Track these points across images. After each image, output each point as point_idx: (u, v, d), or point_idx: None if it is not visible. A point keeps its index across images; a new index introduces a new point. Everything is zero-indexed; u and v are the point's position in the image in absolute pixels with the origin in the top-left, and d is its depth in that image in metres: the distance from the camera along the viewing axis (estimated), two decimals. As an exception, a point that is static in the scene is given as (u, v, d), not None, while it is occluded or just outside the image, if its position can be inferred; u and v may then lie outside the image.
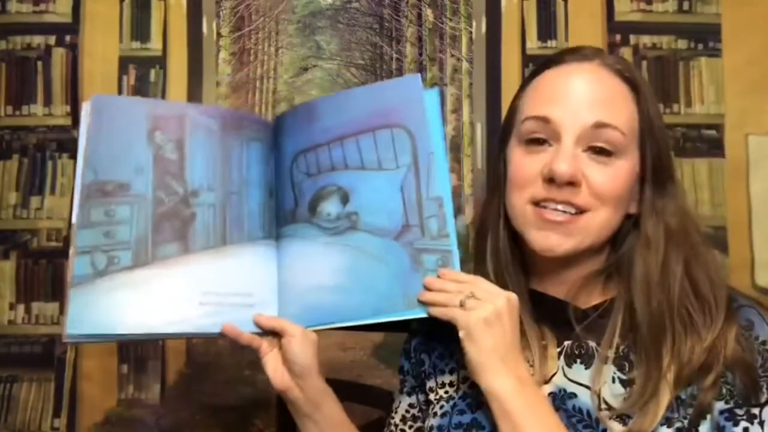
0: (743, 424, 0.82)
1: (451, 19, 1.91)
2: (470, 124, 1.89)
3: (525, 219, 0.86)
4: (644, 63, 1.88)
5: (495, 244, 0.92)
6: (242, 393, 1.79)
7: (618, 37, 1.89)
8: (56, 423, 1.78)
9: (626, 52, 1.89)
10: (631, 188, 0.86)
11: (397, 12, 1.92)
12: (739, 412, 0.82)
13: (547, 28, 1.89)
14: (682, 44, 1.89)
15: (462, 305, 0.81)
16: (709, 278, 0.85)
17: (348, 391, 1.39)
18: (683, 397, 0.82)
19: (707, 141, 1.87)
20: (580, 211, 0.84)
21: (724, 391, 0.83)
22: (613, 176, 0.84)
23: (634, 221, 0.89)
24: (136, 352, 1.80)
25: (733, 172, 1.85)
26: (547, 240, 0.85)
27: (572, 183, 0.83)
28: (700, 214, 1.85)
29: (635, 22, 1.89)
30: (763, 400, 0.83)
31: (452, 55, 1.91)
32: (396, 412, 1.03)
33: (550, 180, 0.83)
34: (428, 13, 1.92)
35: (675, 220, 0.86)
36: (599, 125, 0.84)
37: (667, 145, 0.89)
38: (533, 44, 1.89)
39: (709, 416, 0.82)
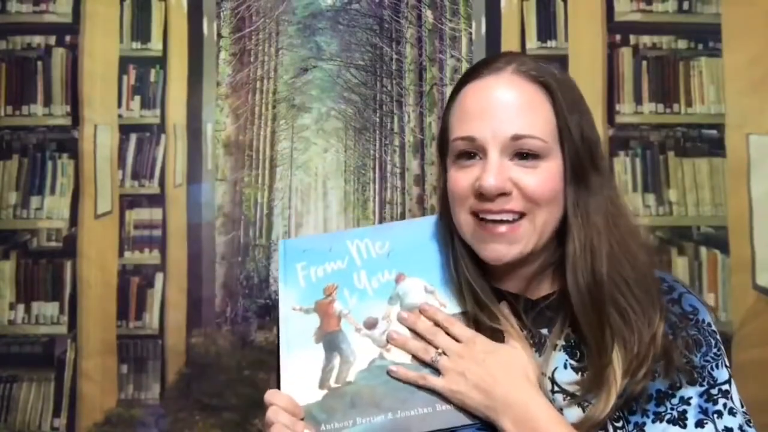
0: (721, 400, 0.87)
1: (450, 20, 1.91)
2: (470, 124, 1.89)
3: (471, 233, 0.91)
4: (644, 63, 1.89)
5: (455, 254, 0.94)
6: (242, 393, 1.79)
7: (618, 37, 1.89)
8: (56, 423, 1.78)
9: (626, 52, 1.89)
10: (561, 187, 0.90)
11: (397, 13, 1.92)
12: (714, 392, 0.87)
13: (546, 29, 1.89)
14: (682, 44, 1.89)
15: (439, 362, 0.89)
16: (637, 271, 0.89)
17: None
18: (663, 389, 0.85)
19: (708, 141, 1.87)
20: (519, 215, 0.87)
21: (695, 375, 0.87)
22: (543, 178, 0.88)
23: None
24: (136, 353, 1.80)
25: (733, 171, 1.85)
26: (494, 252, 0.89)
27: (502, 194, 0.87)
28: (700, 214, 1.86)
29: (635, 22, 1.89)
30: (726, 376, 0.88)
31: (452, 56, 1.92)
32: None
33: (481, 195, 0.87)
34: (428, 14, 1.92)
35: (599, 217, 0.90)
36: (517, 137, 0.88)
37: (589, 141, 0.91)
38: (533, 44, 1.89)
39: (692, 401, 0.86)
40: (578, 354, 0.89)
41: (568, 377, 0.88)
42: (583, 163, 0.90)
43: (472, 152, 0.89)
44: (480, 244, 0.89)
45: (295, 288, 0.96)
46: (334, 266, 0.96)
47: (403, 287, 0.94)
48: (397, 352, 0.90)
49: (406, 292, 0.94)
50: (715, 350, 0.88)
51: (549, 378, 0.88)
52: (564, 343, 0.90)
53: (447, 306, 0.93)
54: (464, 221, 0.90)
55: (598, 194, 0.90)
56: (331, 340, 0.92)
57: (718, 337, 0.90)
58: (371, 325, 0.92)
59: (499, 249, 0.88)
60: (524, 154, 0.88)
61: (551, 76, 0.90)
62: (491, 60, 0.95)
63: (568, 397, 0.87)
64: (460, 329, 0.89)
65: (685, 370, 0.86)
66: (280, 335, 0.93)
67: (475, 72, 0.93)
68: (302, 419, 0.86)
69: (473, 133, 0.89)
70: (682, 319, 0.89)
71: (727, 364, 0.89)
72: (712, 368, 0.88)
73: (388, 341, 0.91)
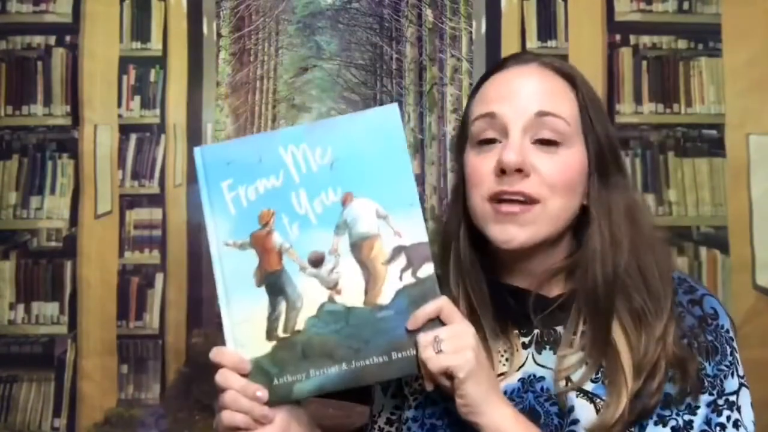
0: (726, 412, 0.84)
1: (451, 19, 1.91)
2: (470, 124, 1.89)
3: (484, 215, 0.89)
4: (644, 63, 1.88)
5: (457, 247, 0.94)
6: (242, 393, 1.79)
7: (618, 37, 1.89)
8: (56, 423, 1.78)
9: (626, 52, 1.89)
10: (581, 177, 0.89)
11: (397, 12, 1.92)
12: (720, 402, 0.85)
13: (546, 28, 1.89)
14: (682, 44, 1.89)
15: (439, 351, 0.80)
16: (658, 268, 0.88)
17: (348, 391, 1.39)
18: (672, 393, 0.84)
19: (708, 141, 1.87)
20: (532, 201, 0.86)
21: (706, 383, 0.85)
22: (562, 165, 0.88)
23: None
24: (136, 352, 1.80)
25: (733, 171, 1.85)
26: (504, 232, 0.87)
27: (521, 170, 0.86)
28: (700, 214, 1.86)
29: (635, 22, 1.89)
30: (735, 387, 0.86)
31: (452, 55, 1.91)
32: (380, 416, 1.03)
33: (502, 171, 0.86)
34: (428, 13, 1.92)
35: (620, 211, 0.89)
36: (542, 114, 0.87)
37: (610, 138, 0.92)
38: (533, 44, 1.89)
39: (699, 411, 0.84)
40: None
41: (585, 374, 0.87)
42: (606, 157, 0.90)
43: (492, 138, 0.88)
44: (492, 225, 0.87)
45: (225, 216, 0.83)
46: (268, 184, 0.83)
47: (351, 212, 0.83)
48: (348, 292, 0.81)
49: (356, 219, 0.82)
50: (729, 359, 0.86)
51: (562, 375, 0.87)
52: (581, 339, 0.88)
53: (403, 235, 0.82)
54: (479, 205, 0.89)
55: (620, 191, 0.90)
56: (273, 283, 0.83)
57: (734, 344, 0.87)
58: (317, 261, 0.82)
59: (511, 230, 0.86)
60: (545, 141, 0.87)
61: (575, 72, 0.92)
62: (516, 55, 0.96)
63: (583, 396, 0.86)
64: (449, 313, 0.82)
65: (698, 378, 0.84)
66: (216, 277, 0.84)
67: (499, 65, 0.94)
68: (248, 375, 0.82)
69: (494, 109, 0.88)
70: (700, 323, 0.87)
71: (741, 373, 0.87)
72: (723, 378, 0.85)
73: (336, 286, 0.82)
